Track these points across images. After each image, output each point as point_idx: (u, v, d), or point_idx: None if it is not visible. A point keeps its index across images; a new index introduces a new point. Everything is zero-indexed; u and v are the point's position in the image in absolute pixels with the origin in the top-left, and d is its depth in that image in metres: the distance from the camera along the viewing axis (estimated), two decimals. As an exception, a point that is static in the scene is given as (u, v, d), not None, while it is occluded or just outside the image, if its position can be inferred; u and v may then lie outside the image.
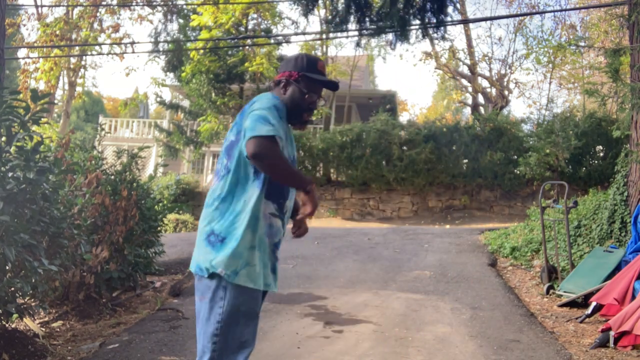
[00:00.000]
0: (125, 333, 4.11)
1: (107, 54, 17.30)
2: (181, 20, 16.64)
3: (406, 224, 12.62)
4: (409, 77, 66.38)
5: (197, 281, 2.12)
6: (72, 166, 4.14)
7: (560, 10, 17.90)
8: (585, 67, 18.25)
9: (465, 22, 15.93)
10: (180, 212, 11.55)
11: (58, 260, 3.67)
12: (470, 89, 19.97)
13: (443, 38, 9.19)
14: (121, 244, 4.93)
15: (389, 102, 18.17)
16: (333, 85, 2.27)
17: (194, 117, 16.54)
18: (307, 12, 8.94)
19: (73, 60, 17.20)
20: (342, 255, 7.41)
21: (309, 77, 2.16)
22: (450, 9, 8.85)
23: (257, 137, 1.93)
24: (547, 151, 12.09)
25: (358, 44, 10.46)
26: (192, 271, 2.17)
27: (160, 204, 5.91)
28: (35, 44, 16.25)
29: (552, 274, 5.76)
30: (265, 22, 16.20)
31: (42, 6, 16.56)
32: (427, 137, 13.56)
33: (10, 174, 3.27)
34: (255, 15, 15.75)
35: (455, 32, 28.28)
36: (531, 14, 19.13)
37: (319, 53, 16.90)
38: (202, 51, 14.75)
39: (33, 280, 3.37)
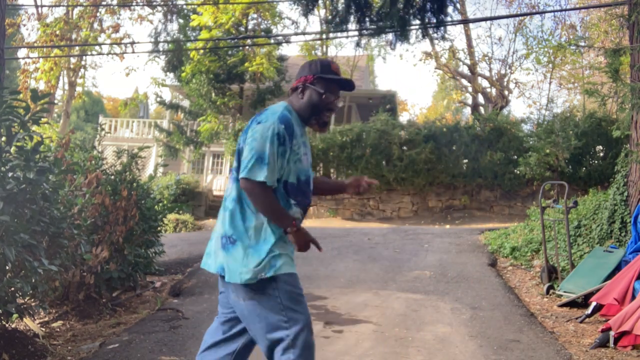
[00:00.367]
0: (125, 333, 4.11)
1: (107, 54, 17.30)
2: (181, 20, 16.63)
3: (406, 224, 12.62)
4: (409, 77, 66.39)
5: (232, 285, 2.19)
6: (72, 166, 4.14)
7: (560, 10, 17.92)
8: (585, 67, 18.26)
9: (465, 22, 15.93)
10: (180, 212, 11.55)
11: (58, 260, 3.67)
12: (470, 89, 19.97)
13: (443, 38, 9.19)
14: (121, 244, 4.93)
15: (389, 102, 18.16)
16: (348, 84, 2.31)
17: (194, 117, 16.54)
18: (307, 12, 8.94)
19: (73, 60, 17.19)
20: (342, 255, 7.41)
21: (324, 78, 2.24)
22: (450, 9, 8.85)
23: (249, 180, 2.11)
24: (547, 151, 12.09)
25: (358, 44, 10.45)
26: (218, 274, 2.25)
27: (160, 204, 5.91)
28: (35, 44, 16.25)
29: (552, 274, 5.75)
30: (265, 22, 16.21)
31: (42, 6, 16.56)
32: (427, 137, 13.56)
33: (10, 174, 3.27)
34: (255, 15, 15.75)
35: (455, 32, 28.30)
36: (531, 14, 19.14)
37: (319, 53, 16.91)
38: (202, 51, 14.75)
39: (33, 280, 3.37)
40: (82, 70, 18.09)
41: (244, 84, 16.29)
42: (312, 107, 2.24)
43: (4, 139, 3.30)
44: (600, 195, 7.33)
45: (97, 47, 16.79)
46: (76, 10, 16.75)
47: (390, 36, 8.87)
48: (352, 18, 8.62)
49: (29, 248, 3.31)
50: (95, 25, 17.05)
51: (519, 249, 7.11)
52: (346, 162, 13.79)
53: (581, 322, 4.49)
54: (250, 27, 16.07)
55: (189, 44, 15.69)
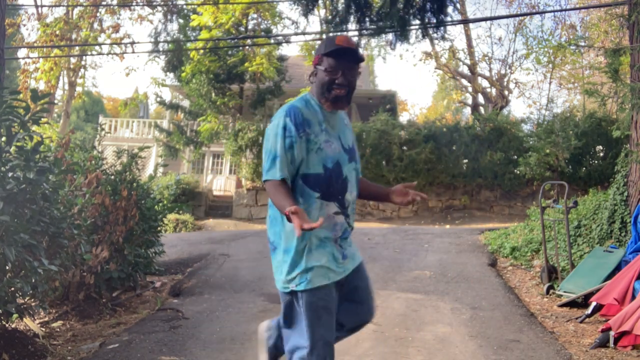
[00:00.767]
0: (125, 333, 4.11)
1: (107, 54, 17.31)
2: (181, 20, 16.63)
3: (406, 224, 12.62)
4: (409, 77, 66.40)
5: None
6: (72, 166, 4.14)
7: (560, 10, 17.92)
8: (585, 67, 18.26)
9: (465, 22, 15.93)
10: (180, 212, 11.56)
11: (58, 260, 3.67)
12: (470, 89, 19.97)
13: (443, 38, 9.19)
14: (121, 244, 4.93)
15: (389, 102, 18.16)
16: (346, 52, 2.19)
17: (194, 117, 16.53)
18: (307, 12, 8.93)
19: (73, 60, 17.20)
20: (342, 255, 7.40)
21: (326, 54, 2.20)
22: (450, 9, 8.85)
23: (266, 181, 2.17)
24: (547, 151, 12.09)
25: (358, 44, 10.45)
26: None
27: (160, 204, 5.91)
28: (35, 44, 16.25)
29: (552, 274, 5.75)
30: (265, 22, 16.20)
31: (42, 6, 16.57)
32: (427, 137, 13.56)
33: (10, 174, 3.27)
34: (255, 15, 15.75)
35: (455, 32, 28.28)
36: (531, 14, 19.14)
37: (319, 53, 16.88)
38: (202, 51, 14.75)
39: (33, 280, 3.37)
40: (82, 70, 18.10)
41: (244, 84, 16.28)
42: (321, 87, 2.21)
43: (4, 139, 3.30)
44: (600, 195, 7.32)
45: (97, 47, 16.80)
46: (76, 10, 16.75)
47: (390, 36, 8.87)
48: (352, 18, 8.62)
49: (29, 248, 3.31)
50: (95, 25, 17.06)
51: (519, 249, 7.11)
52: (346, 162, 13.77)
53: (581, 322, 4.49)
54: (250, 27, 16.06)
55: (189, 44, 15.68)
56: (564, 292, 5.21)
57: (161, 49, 16.64)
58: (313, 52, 16.61)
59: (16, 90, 3.82)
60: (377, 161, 13.57)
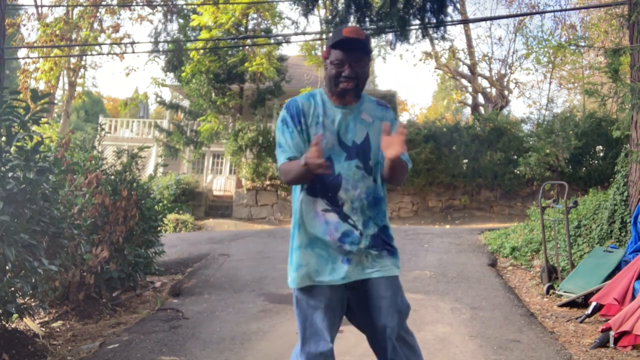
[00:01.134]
0: (125, 333, 4.11)
1: (107, 54, 17.31)
2: (181, 20, 16.62)
3: (406, 224, 12.62)
4: (409, 77, 66.39)
5: None
6: (72, 166, 4.14)
7: (560, 10, 17.92)
8: (585, 67, 18.26)
9: (465, 22, 15.93)
10: (180, 212, 11.56)
11: (58, 260, 3.67)
12: (470, 89, 19.97)
13: (443, 38, 9.19)
14: (121, 244, 4.93)
15: (389, 102, 18.14)
16: (352, 43, 2.10)
17: (194, 117, 16.54)
18: (307, 12, 8.93)
19: (73, 60, 17.20)
20: (342, 255, 7.40)
21: (331, 46, 2.14)
22: (450, 9, 8.85)
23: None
24: (547, 151, 12.10)
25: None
26: None
27: (160, 204, 5.91)
28: (35, 44, 16.25)
29: (552, 274, 5.75)
30: (265, 22, 16.20)
31: (42, 6, 16.57)
32: (427, 137, 13.56)
33: (10, 174, 3.27)
34: (255, 15, 15.75)
35: (455, 32, 28.27)
36: (531, 14, 19.14)
37: (319, 53, 16.90)
38: (202, 51, 14.74)
39: (33, 280, 3.37)
40: (82, 70, 18.11)
41: (244, 84, 16.28)
42: (329, 80, 2.16)
43: (4, 139, 3.30)
44: (600, 195, 7.32)
45: (97, 47, 16.80)
46: (76, 10, 16.75)
47: (390, 36, 8.87)
48: (352, 18, 8.61)
49: (29, 248, 3.31)
50: (95, 25, 17.06)
51: (519, 249, 7.11)
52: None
53: (581, 322, 4.49)
54: (250, 27, 16.06)
55: (189, 44, 15.68)
56: (564, 292, 5.21)
57: (161, 49, 16.63)
58: (313, 52, 16.66)
59: (16, 90, 3.82)
60: (377, 161, 13.56)
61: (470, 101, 20.57)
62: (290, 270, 2.17)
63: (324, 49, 2.23)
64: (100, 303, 4.76)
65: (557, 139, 11.87)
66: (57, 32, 15.69)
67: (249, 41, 15.33)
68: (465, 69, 19.97)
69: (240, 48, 15.55)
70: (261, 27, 16.18)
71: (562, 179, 11.37)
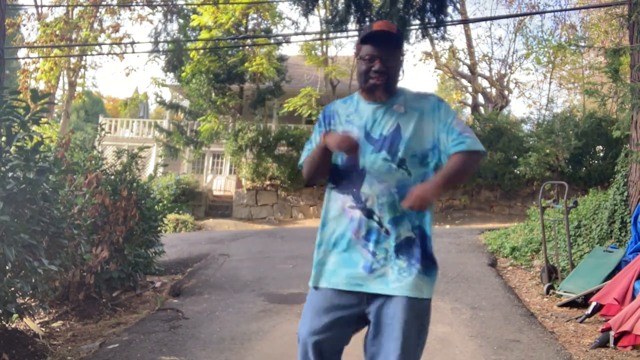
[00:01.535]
0: (125, 333, 4.11)
1: (107, 54, 17.32)
2: (181, 20, 16.63)
3: (406, 224, 12.60)
4: (409, 77, 66.33)
5: None
6: (72, 166, 4.14)
7: (560, 10, 17.92)
8: (585, 67, 18.25)
9: (465, 22, 15.93)
10: (180, 212, 11.56)
11: (58, 260, 3.67)
12: (470, 89, 19.97)
13: (443, 38, 9.20)
14: (121, 244, 4.93)
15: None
16: (381, 36, 2.02)
17: (194, 117, 16.54)
18: (307, 12, 8.94)
19: (73, 60, 17.20)
20: (342, 255, 7.40)
21: (363, 41, 2.06)
22: (450, 9, 8.86)
23: None
24: (547, 151, 12.10)
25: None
26: None
27: (160, 204, 5.91)
28: (35, 44, 16.25)
29: (552, 274, 5.75)
30: (265, 22, 16.20)
31: (42, 6, 16.57)
32: (427, 137, 13.54)
33: (10, 174, 3.27)
34: (255, 15, 15.75)
35: (455, 32, 28.28)
36: (531, 14, 19.14)
37: (319, 53, 16.90)
38: (202, 51, 14.75)
39: (33, 280, 3.37)
40: (82, 70, 18.11)
41: (244, 84, 16.28)
42: (359, 77, 2.08)
43: (4, 139, 3.30)
44: (600, 195, 7.33)
45: (97, 47, 16.80)
46: (76, 10, 16.76)
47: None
48: (352, 18, 8.62)
49: (29, 248, 3.31)
50: (95, 25, 17.06)
51: (519, 249, 7.11)
52: (346, 162, 13.77)
53: (581, 322, 4.49)
54: (250, 27, 16.06)
55: (189, 44, 15.68)
56: (564, 292, 5.21)
57: (161, 49, 16.64)
58: (313, 52, 16.66)
59: (16, 90, 3.82)
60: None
61: (470, 101, 20.57)
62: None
63: (354, 46, 2.16)
64: (100, 303, 4.76)
65: (557, 139, 11.87)
66: (57, 32, 15.69)
67: (249, 41, 15.34)
68: (465, 69, 19.98)
69: (240, 48, 15.55)
70: (261, 27, 16.18)
71: (562, 179, 11.37)
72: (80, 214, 4.35)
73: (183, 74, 15.28)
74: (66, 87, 18.15)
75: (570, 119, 12.62)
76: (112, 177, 5.17)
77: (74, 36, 16.53)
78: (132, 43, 16.80)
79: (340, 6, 8.92)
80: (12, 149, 3.29)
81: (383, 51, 2.01)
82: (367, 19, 8.61)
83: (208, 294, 5.38)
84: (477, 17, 19.65)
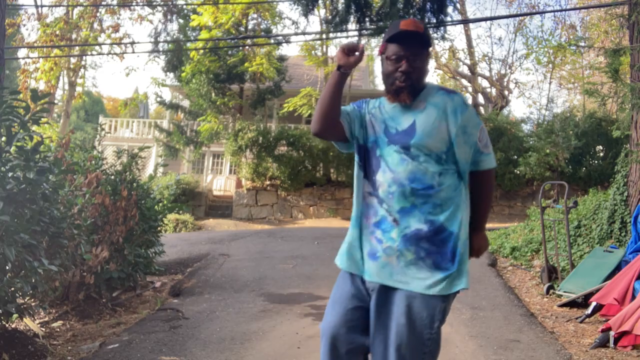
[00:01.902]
0: (125, 333, 4.11)
1: (107, 54, 17.33)
2: (181, 20, 16.64)
3: (406, 224, 12.59)
4: (409, 77, 66.22)
5: None
6: (72, 166, 4.14)
7: (560, 10, 17.92)
8: (585, 67, 18.26)
9: (465, 22, 15.94)
10: (180, 212, 11.55)
11: (58, 260, 3.67)
12: (470, 89, 19.98)
13: (443, 38, 9.20)
14: (121, 244, 4.93)
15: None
16: (409, 36, 1.98)
17: (194, 117, 16.55)
18: (307, 12, 8.94)
19: (73, 60, 17.20)
20: (342, 255, 7.40)
21: (389, 40, 2.02)
22: (450, 9, 8.87)
23: None
24: (547, 151, 12.10)
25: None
26: None
27: (160, 204, 5.91)
28: (35, 44, 16.25)
29: (552, 274, 5.76)
30: (265, 22, 16.20)
31: (42, 6, 16.58)
32: (427, 137, 13.54)
33: (10, 174, 3.27)
34: (255, 15, 15.75)
35: (455, 32, 28.35)
36: (531, 14, 19.14)
37: (319, 53, 16.90)
38: (202, 51, 14.75)
39: (33, 280, 3.37)
40: (82, 70, 18.11)
41: (244, 84, 16.28)
42: (385, 77, 2.05)
43: (4, 139, 3.30)
44: (600, 195, 7.33)
45: (97, 47, 16.81)
46: (76, 10, 16.76)
47: (390, 36, 8.85)
48: (352, 18, 8.63)
49: (29, 248, 3.31)
50: (95, 25, 17.06)
51: (519, 249, 7.11)
52: (346, 162, 13.79)
53: (581, 322, 4.49)
54: (250, 27, 16.06)
55: (189, 44, 15.69)
56: (564, 292, 5.21)
57: (161, 49, 16.64)
58: (313, 52, 16.66)
59: (16, 90, 3.82)
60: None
61: (470, 101, 20.57)
62: None
63: (380, 44, 2.14)
64: (100, 303, 4.76)
65: (557, 139, 11.87)
66: (57, 32, 15.69)
67: (249, 41, 15.33)
68: (465, 69, 19.98)
69: (240, 48, 15.55)
70: (261, 27, 16.18)
71: (562, 179, 11.38)
72: (80, 214, 4.35)
73: (183, 74, 15.28)
74: (66, 87, 18.15)
75: (570, 119, 12.63)
76: (112, 177, 5.16)
77: (74, 36, 16.53)
78: (132, 43, 16.82)
79: (340, 6, 8.92)
80: (12, 149, 3.29)
81: (410, 51, 1.97)
82: (367, 19, 8.61)
83: (208, 294, 5.38)
84: (477, 17, 19.66)
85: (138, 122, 20.58)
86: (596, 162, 12.90)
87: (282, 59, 16.65)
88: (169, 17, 16.57)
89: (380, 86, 20.78)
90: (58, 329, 4.20)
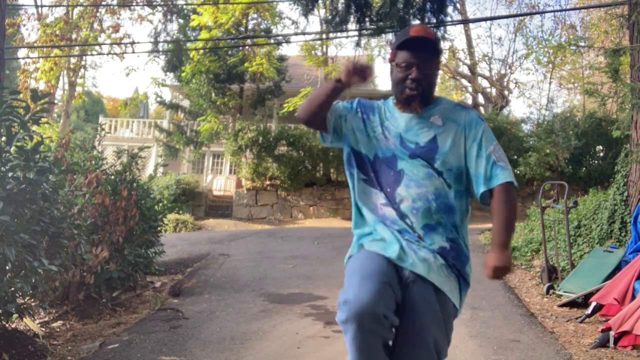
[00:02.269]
0: (125, 333, 4.11)
1: (107, 54, 17.33)
2: (181, 20, 16.63)
3: (406, 224, 12.59)
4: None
5: None
6: (72, 166, 4.14)
7: (560, 10, 17.92)
8: (585, 67, 18.26)
9: (465, 22, 15.94)
10: (180, 212, 11.55)
11: (58, 260, 3.67)
12: (470, 89, 19.99)
13: (443, 38, 9.20)
14: (121, 244, 4.93)
15: (389, 102, 18.11)
16: (419, 43, 1.94)
17: (194, 117, 16.54)
18: (307, 12, 8.94)
19: (73, 60, 17.20)
20: (342, 255, 7.38)
21: (399, 47, 1.98)
22: (450, 9, 8.87)
23: None
24: (547, 151, 12.10)
25: (358, 44, 10.47)
26: None
27: (160, 204, 5.91)
28: (35, 44, 16.25)
29: (552, 274, 5.76)
30: (265, 22, 16.20)
31: (42, 6, 16.57)
32: (427, 137, 13.54)
33: (10, 174, 3.27)
34: (255, 15, 15.75)
35: (455, 32, 28.32)
36: (531, 14, 19.14)
37: (319, 53, 16.90)
38: (202, 51, 14.75)
39: (33, 280, 3.37)
40: (82, 70, 18.10)
41: (244, 84, 16.28)
42: (395, 85, 2.00)
43: (4, 139, 3.30)
44: (600, 195, 7.33)
45: (97, 47, 16.80)
46: (76, 10, 16.75)
47: (390, 36, 8.87)
48: (352, 18, 8.63)
49: (29, 248, 3.31)
50: (95, 25, 17.06)
51: (519, 249, 7.11)
52: (346, 162, 13.76)
53: (581, 322, 4.49)
54: (250, 27, 16.06)
55: (189, 44, 15.68)
56: (564, 292, 5.21)
57: (161, 49, 16.64)
58: (313, 52, 16.66)
59: (16, 90, 3.82)
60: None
61: (470, 101, 20.57)
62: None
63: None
64: (100, 303, 4.76)
65: (557, 139, 11.87)
66: (57, 32, 15.69)
67: (249, 41, 15.33)
68: (465, 69, 19.99)
69: (240, 48, 15.55)
70: (261, 27, 16.18)
71: (562, 179, 11.37)
72: (80, 214, 4.35)
73: (183, 74, 15.28)
74: (66, 87, 18.15)
75: (570, 119, 12.62)
76: (112, 177, 5.17)
77: (74, 36, 16.52)
78: (132, 43, 16.82)
79: (340, 6, 8.92)
80: (12, 149, 3.29)
81: (420, 58, 1.94)
82: (367, 19, 8.61)
83: (208, 294, 5.38)
84: (477, 17, 19.66)
85: (138, 122, 20.57)
86: (596, 162, 12.90)
87: (282, 59, 16.65)
88: (169, 17, 16.57)
89: (380, 86, 20.76)
90: (58, 329, 4.20)
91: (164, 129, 17.18)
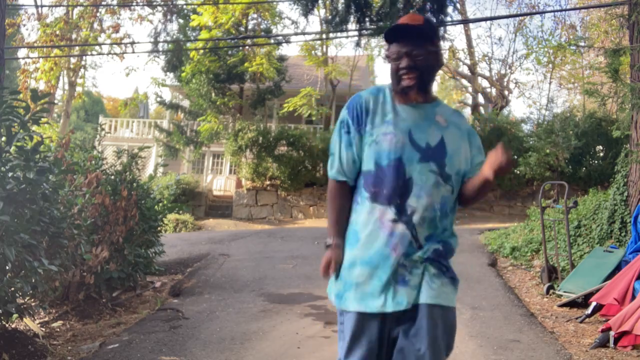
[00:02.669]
0: (125, 333, 4.11)
1: (107, 54, 17.33)
2: (181, 20, 16.64)
3: (406, 224, 12.59)
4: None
5: None
6: (72, 166, 4.14)
7: (560, 10, 17.91)
8: (585, 67, 18.25)
9: (465, 22, 15.94)
10: (180, 212, 11.55)
11: (58, 260, 3.67)
12: (470, 89, 19.98)
13: (443, 38, 9.21)
14: (121, 244, 4.93)
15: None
16: (405, 30, 1.88)
17: (194, 117, 16.55)
18: (307, 12, 8.95)
19: (73, 60, 17.20)
20: (342, 255, 7.40)
21: (387, 38, 1.94)
22: (450, 9, 8.88)
23: (329, 179, 2.00)
24: (547, 151, 12.10)
25: (358, 44, 10.49)
26: None
27: (160, 204, 5.92)
28: (35, 44, 16.25)
29: (552, 274, 5.76)
30: (265, 22, 16.21)
31: (42, 6, 16.59)
32: (427, 137, 13.53)
33: (10, 174, 3.27)
34: (255, 15, 15.75)
35: (455, 32, 28.34)
36: (531, 14, 19.13)
37: (319, 53, 16.90)
38: (202, 51, 14.75)
39: (33, 280, 3.37)
40: (82, 70, 18.11)
41: (244, 84, 16.29)
42: (392, 76, 1.93)
43: (4, 139, 3.30)
44: (600, 195, 7.33)
45: (97, 47, 16.81)
46: (76, 10, 16.76)
47: (390, 36, 8.86)
48: (352, 18, 8.63)
49: (29, 248, 3.31)
50: (95, 25, 17.06)
51: (519, 249, 7.11)
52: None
53: (581, 322, 4.49)
54: (250, 27, 16.06)
55: (189, 44, 15.69)
56: (564, 292, 5.21)
57: (161, 49, 16.64)
58: (313, 52, 16.66)
59: (16, 90, 3.82)
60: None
61: (470, 101, 20.57)
62: (335, 284, 1.96)
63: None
64: (100, 303, 4.76)
65: (557, 139, 11.87)
66: (57, 32, 15.69)
67: (249, 41, 15.34)
68: (465, 69, 19.98)
69: (240, 48, 15.55)
70: (261, 27, 16.18)
71: (562, 179, 11.37)
72: (80, 214, 4.35)
73: (183, 74, 15.29)
74: (66, 87, 18.15)
75: (570, 119, 12.62)
76: (112, 177, 5.17)
77: (74, 36, 16.53)
78: (132, 43, 16.84)
79: (340, 6, 8.93)
80: (12, 149, 3.29)
81: (410, 46, 1.87)
82: (367, 19, 8.62)
83: (208, 294, 5.38)
84: (477, 17, 19.66)
85: (138, 122, 20.57)
86: (596, 162, 12.89)
87: (282, 59, 16.65)
88: (169, 17, 16.58)
89: (380, 86, 20.69)
90: (58, 329, 4.20)
91: (164, 129, 17.18)
